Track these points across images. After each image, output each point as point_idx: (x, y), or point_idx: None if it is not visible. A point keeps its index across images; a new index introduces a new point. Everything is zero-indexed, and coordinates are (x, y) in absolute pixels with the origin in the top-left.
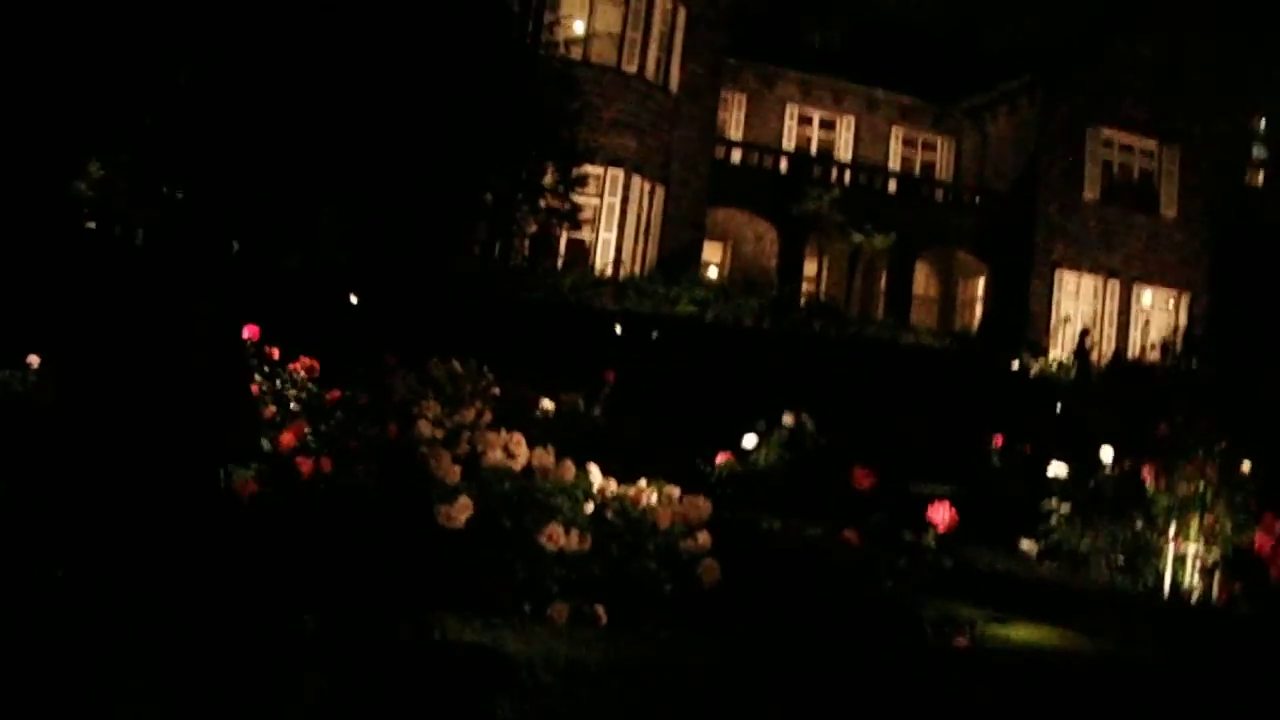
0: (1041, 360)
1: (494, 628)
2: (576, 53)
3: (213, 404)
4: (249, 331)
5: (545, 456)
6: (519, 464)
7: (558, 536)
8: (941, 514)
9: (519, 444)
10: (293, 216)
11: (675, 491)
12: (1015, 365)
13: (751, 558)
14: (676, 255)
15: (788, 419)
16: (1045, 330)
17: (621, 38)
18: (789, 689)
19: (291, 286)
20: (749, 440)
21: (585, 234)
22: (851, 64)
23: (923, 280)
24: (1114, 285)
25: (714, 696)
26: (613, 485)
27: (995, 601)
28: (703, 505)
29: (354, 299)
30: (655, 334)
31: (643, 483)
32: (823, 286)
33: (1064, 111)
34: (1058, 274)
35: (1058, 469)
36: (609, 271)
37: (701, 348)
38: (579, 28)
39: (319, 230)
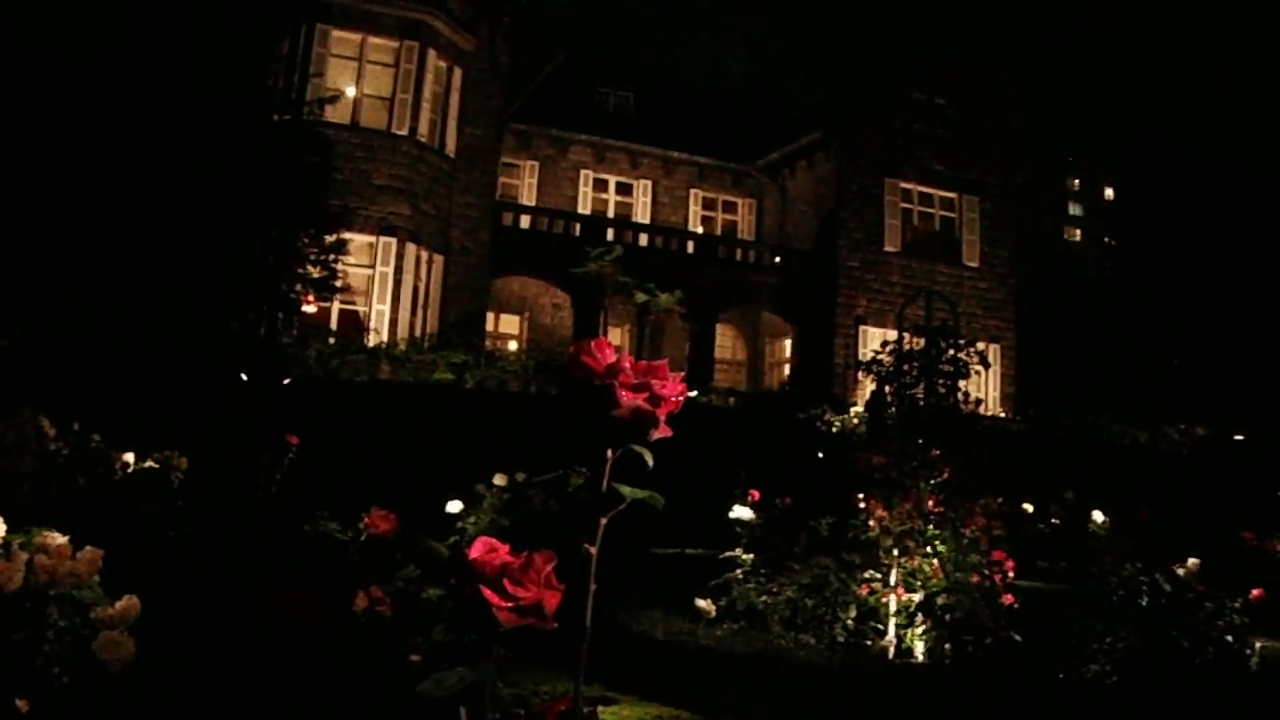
0: (843, 416)
1: None
2: (343, 117)
3: None
4: None
5: None
6: None
7: None
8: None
9: None
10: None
11: (55, 540)
12: (819, 423)
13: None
14: (460, 324)
15: (499, 480)
16: (853, 387)
17: (392, 99)
18: None
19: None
20: (453, 505)
21: (360, 305)
22: (647, 127)
23: (730, 343)
24: (919, 339)
25: None
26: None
27: (624, 677)
28: (88, 556)
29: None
30: (287, 381)
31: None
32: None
33: (860, 164)
34: (862, 330)
35: (741, 512)
36: (385, 343)
37: (445, 415)
38: (350, 92)
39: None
